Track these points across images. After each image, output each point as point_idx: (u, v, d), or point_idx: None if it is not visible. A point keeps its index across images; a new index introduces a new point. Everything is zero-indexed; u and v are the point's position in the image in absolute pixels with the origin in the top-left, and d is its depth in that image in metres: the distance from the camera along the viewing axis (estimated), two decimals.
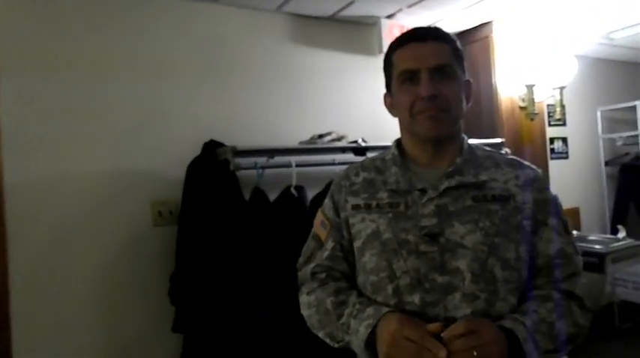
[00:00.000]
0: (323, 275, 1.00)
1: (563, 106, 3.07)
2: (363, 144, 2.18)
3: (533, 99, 2.82)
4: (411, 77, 0.94)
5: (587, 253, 2.90)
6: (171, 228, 1.97)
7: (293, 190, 1.92)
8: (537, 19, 2.74)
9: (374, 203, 0.97)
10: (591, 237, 3.14)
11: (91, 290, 1.91)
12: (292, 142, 2.19)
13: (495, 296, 0.87)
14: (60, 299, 1.84)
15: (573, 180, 3.49)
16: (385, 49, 2.79)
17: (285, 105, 2.37)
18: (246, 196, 1.92)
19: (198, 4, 2.19)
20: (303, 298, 1.02)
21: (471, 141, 1.04)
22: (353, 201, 1.00)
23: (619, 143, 3.65)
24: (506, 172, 0.97)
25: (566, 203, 3.51)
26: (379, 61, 2.93)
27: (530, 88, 2.81)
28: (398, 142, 1.05)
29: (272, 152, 2.01)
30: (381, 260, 0.92)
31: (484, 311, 0.86)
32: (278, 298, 1.80)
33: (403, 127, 1.01)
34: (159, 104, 2.09)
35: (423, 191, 0.93)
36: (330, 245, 1.01)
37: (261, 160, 1.98)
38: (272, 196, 1.95)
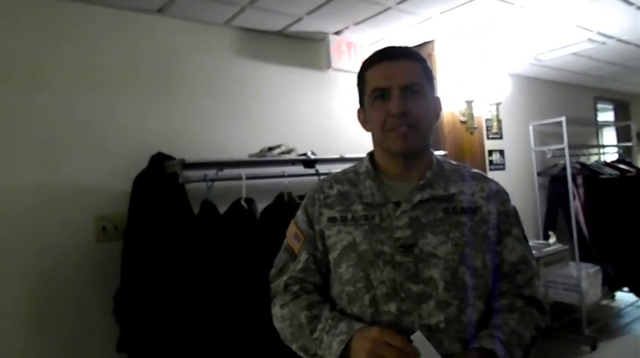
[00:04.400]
0: (296, 288, 1.01)
1: (499, 121, 3.30)
2: (312, 157, 2.23)
3: (472, 114, 3.01)
4: (382, 94, 0.97)
5: None
6: (116, 244, 1.91)
7: (243, 203, 1.92)
8: (475, 39, 2.93)
9: (349, 215, 1.00)
10: None
11: (27, 309, 1.80)
12: (242, 155, 2.20)
13: (465, 303, 0.92)
14: None
15: (510, 190, 3.68)
16: (333, 64, 2.86)
17: (234, 119, 2.37)
18: (195, 209, 1.91)
19: (146, 16, 2.16)
20: (276, 310, 1.03)
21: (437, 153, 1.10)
22: (328, 213, 1.02)
23: (548, 155, 3.94)
24: (472, 185, 1.02)
25: None
26: (327, 76, 3.02)
27: (469, 103, 2.99)
28: (370, 156, 1.08)
29: (221, 165, 2.01)
30: (358, 271, 0.95)
31: (456, 317, 0.91)
32: (229, 312, 1.80)
33: (376, 142, 1.05)
34: (103, 116, 2.02)
35: (397, 204, 0.97)
36: (303, 257, 1.03)
37: (211, 173, 1.97)
38: (222, 209, 1.94)
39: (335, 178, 1.09)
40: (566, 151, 3.55)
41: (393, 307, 0.91)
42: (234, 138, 2.34)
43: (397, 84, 0.96)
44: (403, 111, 0.95)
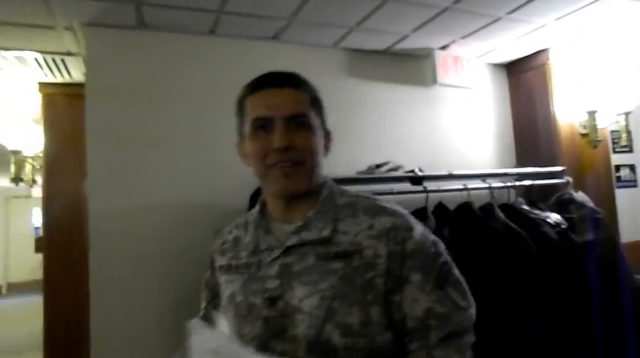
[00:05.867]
0: None
1: (629, 132, 2.95)
2: (420, 174, 2.19)
3: (595, 125, 2.74)
4: (264, 125, 0.88)
5: None
6: None
7: None
8: (597, 44, 2.68)
9: (234, 263, 0.93)
10: None
11: (163, 316, 2.01)
12: (350, 172, 2.25)
13: None
14: (133, 323, 1.96)
15: None
16: (439, 79, 2.80)
17: (342, 137, 2.39)
18: None
19: (261, 42, 2.35)
20: None
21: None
22: (220, 261, 0.97)
23: None
24: (361, 222, 0.86)
25: (636, 235, 3.26)
26: (433, 92, 2.97)
27: (591, 114, 2.73)
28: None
29: None
30: (235, 324, 0.87)
31: None
32: None
33: (258, 178, 0.94)
34: (223, 137, 2.19)
35: (271, 250, 0.88)
36: (203, 305, 1.02)
37: None
38: None
39: (237, 222, 1.01)
40: None
41: None
42: (343, 156, 2.37)
43: (281, 114, 0.86)
44: (287, 146, 0.84)
